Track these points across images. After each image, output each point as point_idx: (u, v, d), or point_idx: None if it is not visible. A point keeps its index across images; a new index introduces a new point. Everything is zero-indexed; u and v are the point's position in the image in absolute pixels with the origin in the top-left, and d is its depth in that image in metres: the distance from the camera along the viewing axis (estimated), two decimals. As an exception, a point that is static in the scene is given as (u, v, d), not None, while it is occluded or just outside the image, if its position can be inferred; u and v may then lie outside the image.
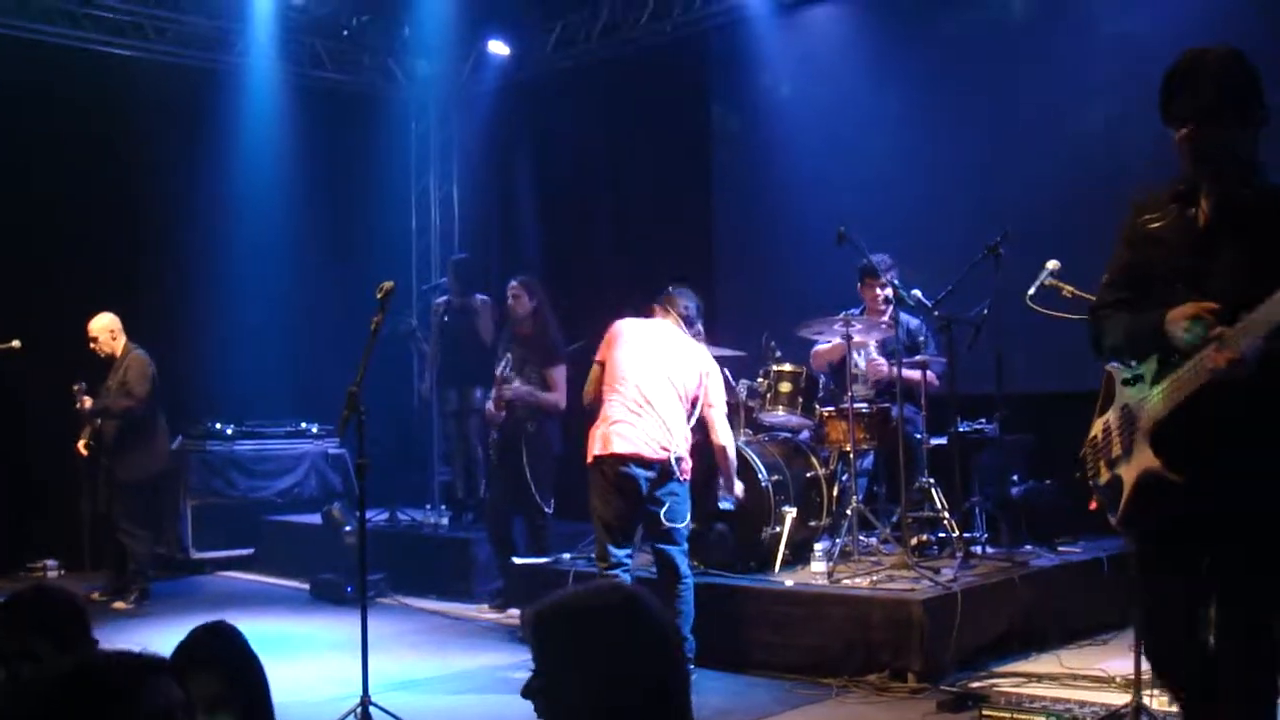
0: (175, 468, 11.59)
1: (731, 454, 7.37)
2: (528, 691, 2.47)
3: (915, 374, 8.30)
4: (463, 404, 11.13)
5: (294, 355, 12.68)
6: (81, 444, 10.14)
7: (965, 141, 10.16)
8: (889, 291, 8.43)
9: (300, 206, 12.84)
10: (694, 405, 7.15)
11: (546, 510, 9.14)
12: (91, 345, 10.08)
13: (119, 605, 9.94)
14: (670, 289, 7.40)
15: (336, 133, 13.27)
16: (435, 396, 12.03)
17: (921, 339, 8.60)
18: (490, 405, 9.42)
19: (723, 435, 7.27)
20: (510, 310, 9.33)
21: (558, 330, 9.36)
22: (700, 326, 7.45)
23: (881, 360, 8.50)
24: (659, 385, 6.97)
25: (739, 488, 7.53)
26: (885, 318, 8.44)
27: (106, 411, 10.05)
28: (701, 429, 7.28)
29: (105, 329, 10.13)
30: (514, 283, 9.37)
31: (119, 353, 10.12)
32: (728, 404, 8.53)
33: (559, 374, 9.14)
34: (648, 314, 7.36)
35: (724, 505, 7.68)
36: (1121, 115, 9.37)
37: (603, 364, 7.19)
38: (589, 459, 7.01)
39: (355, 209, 13.39)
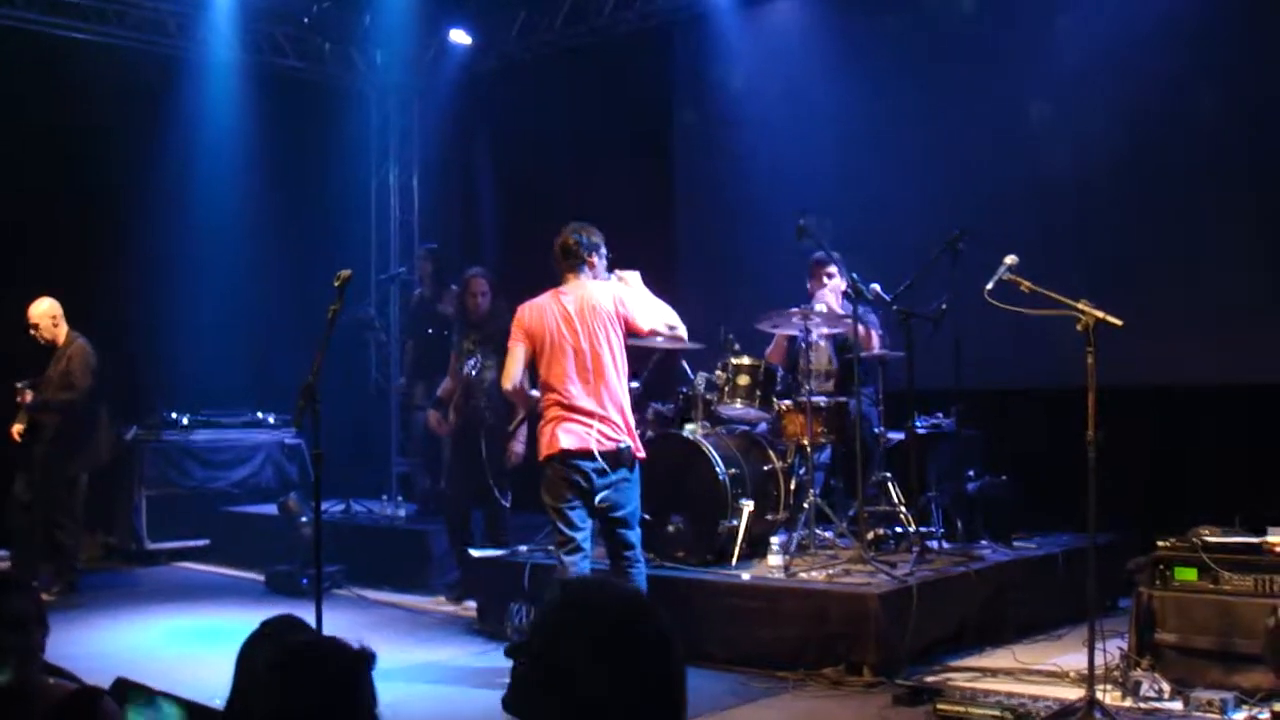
0: (123, 459, 11.53)
1: (678, 331, 7.11)
2: (513, 651, 2.40)
3: (865, 335, 8.24)
4: (431, 397, 11.09)
5: (251, 344, 12.60)
6: (16, 429, 9.95)
7: (926, 136, 10.20)
8: (839, 283, 8.47)
9: (258, 195, 12.75)
10: (632, 333, 6.97)
11: (504, 503, 9.11)
12: (31, 332, 9.86)
13: (42, 596, 9.74)
14: (566, 247, 7.12)
15: (296, 121, 13.16)
16: (403, 388, 12.01)
17: (872, 318, 8.59)
18: (431, 417, 9.61)
19: (674, 331, 7.04)
20: (472, 303, 9.29)
21: None
22: (597, 256, 7.09)
23: (833, 302, 8.49)
24: (589, 368, 6.79)
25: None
26: (836, 310, 8.45)
27: (46, 405, 9.89)
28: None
29: (46, 315, 9.89)
30: (476, 275, 9.35)
31: (60, 340, 9.92)
32: (686, 397, 8.55)
33: None
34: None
35: None
36: (1080, 111, 9.45)
37: (525, 352, 6.97)
38: (540, 457, 6.95)
39: (314, 198, 13.31)
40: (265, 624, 3.66)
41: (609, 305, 6.86)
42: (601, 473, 6.73)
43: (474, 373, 8.94)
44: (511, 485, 9.21)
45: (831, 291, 8.67)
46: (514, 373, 7.00)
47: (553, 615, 2.40)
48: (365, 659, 2.53)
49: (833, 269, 8.57)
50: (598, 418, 6.74)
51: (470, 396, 9.07)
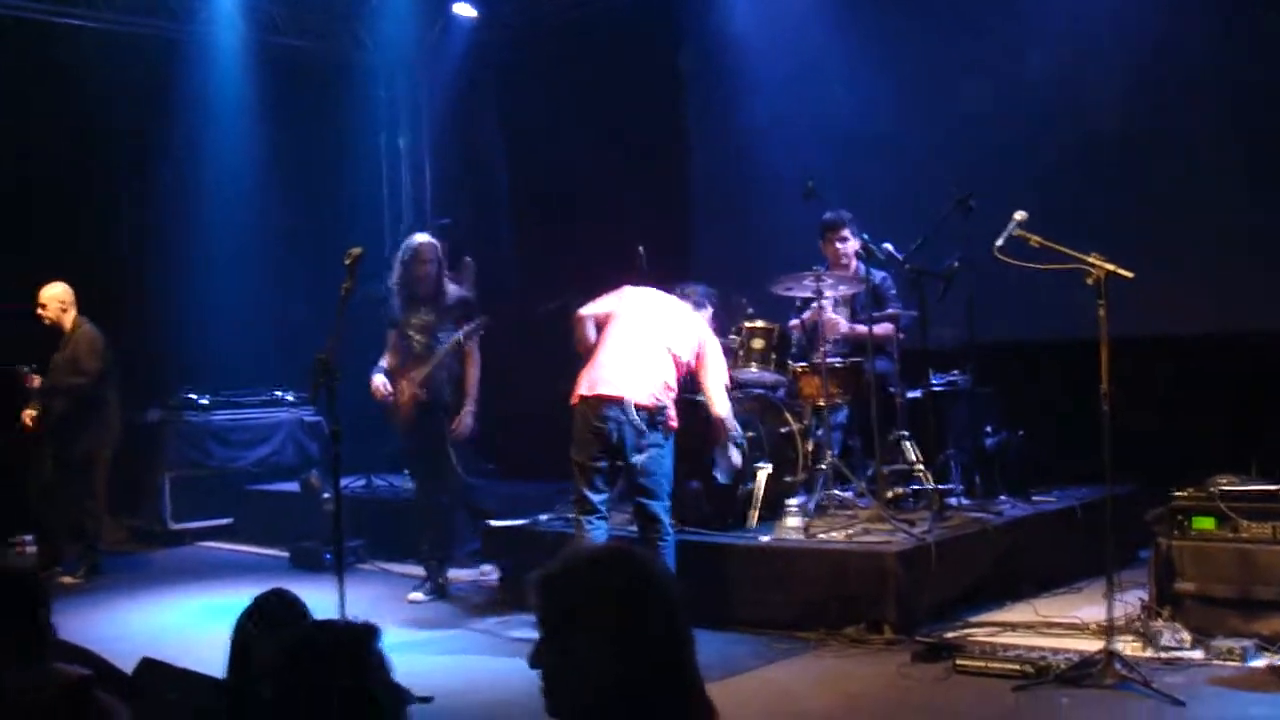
0: (144, 441, 11.63)
1: (731, 425, 7.43)
2: (535, 660, 2.45)
3: (881, 328, 8.30)
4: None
5: (269, 324, 12.63)
6: (28, 415, 9.98)
7: (935, 94, 10.20)
8: (853, 245, 8.45)
9: (270, 175, 12.75)
10: (688, 372, 7.27)
11: (464, 477, 8.87)
12: (39, 311, 9.87)
13: (66, 580, 9.77)
14: (684, 285, 7.74)
15: (305, 100, 13.15)
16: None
17: (893, 292, 8.59)
18: (382, 384, 8.80)
19: (719, 406, 7.34)
20: (420, 271, 8.72)
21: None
22: (710, 312, 7.70)
23: (837, 318, 8.49)
24: (653, 342, 7.09)
25: (735, 455, 7.62)
26: (850, 271, 8.46)
27: (55, 389, 9.95)
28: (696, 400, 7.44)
29: (56, 299, 9.93)
30: (424, 244, 8.82)
31: (68, 326, 9.93)
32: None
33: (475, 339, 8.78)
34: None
35: (719, 478, 7.72)
36: (1087, 68, 9.42)
37: (601, 316, 7.30)
38: (574, 399, 7.07)
39: (326, 176, 13.29)
40: (257, 599, 3.75)
41: (697, 332, 7.29)
42: (636, 431, 6.83)
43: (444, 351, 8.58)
44: (496, 457, 9.02)
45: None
46: (595, 308, 7.37)
47: (543, 609, 2.45)
48: (369, 633, 2.57)
49: (845, 232, 8.53)
50: (638, 377, 6.89)
51: (435, 375, 8.68)
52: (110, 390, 10.18)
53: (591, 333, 7.29)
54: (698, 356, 7.21)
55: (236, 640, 3.68)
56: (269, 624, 3.65)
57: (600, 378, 6.98)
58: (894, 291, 8.57)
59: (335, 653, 2.51)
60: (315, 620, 3.46)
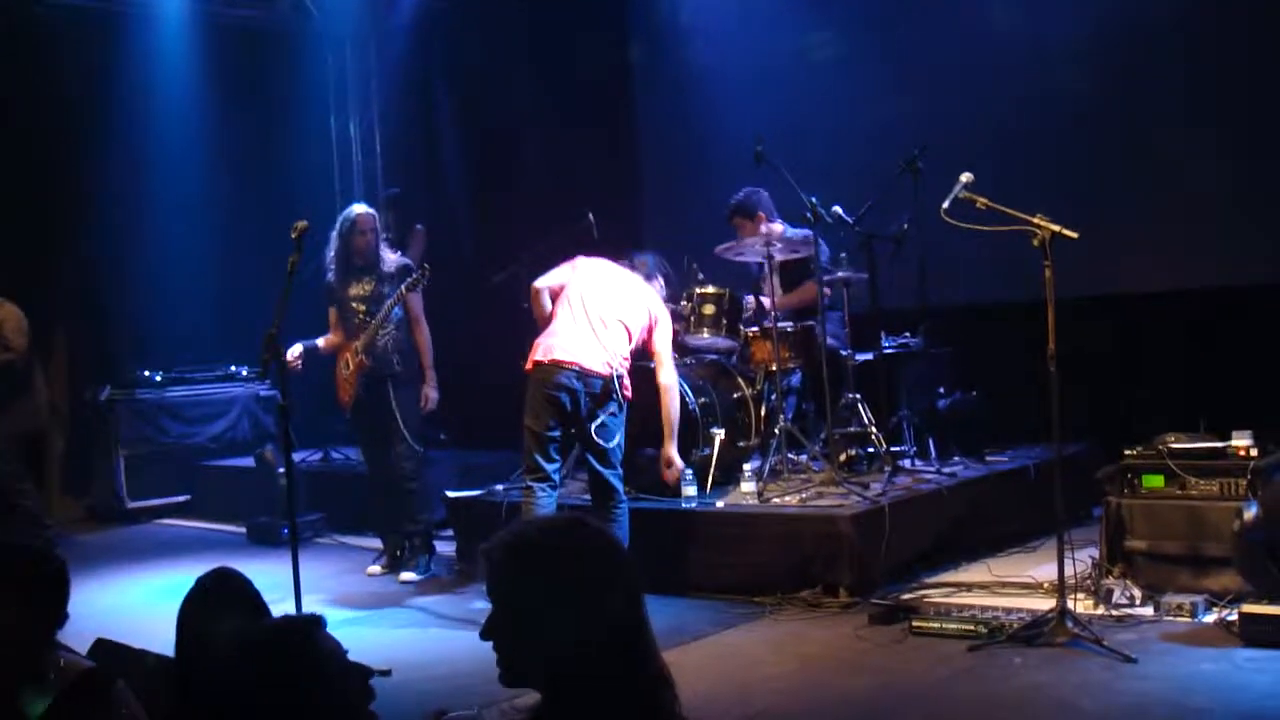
0: (97, 420, 11.57)
1: (674, 401, 7.32)
2: (487, 632, 2.45)
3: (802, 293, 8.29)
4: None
5: (221, 299, 12.54)
6: None
7: (884, 58, 10.20)
8: (752, 226, 8.43)
9: (219, 148, 12.59)
10: (641, 343, 7.28)
11: (417, 448, 8.62)
12: None
13: None
14: (635, 255, 7.68)
15: (252, 72, 12.98)
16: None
17: (841, 254, 8.54)
18: (295, 356, 8.28)
19: (666, 375, 7.31)
20: (361, 242, 8.51)
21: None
22: (661, 282, 7.65)
23: (751, 300, 8.48)
24: (606, 313, 7.10)
25: (677, 463, 7.42)
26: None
27: None
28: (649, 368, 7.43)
29: None
30: (363, 214, 8.60)
31: None
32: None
33: (419, 300, 8.59)
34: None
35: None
36: (1035, 30, 9.43)
37: (555, 288, 7.29)
38: (529, 365, 7.07)
39: (273, 148, 13.10)
40: (201, 580, 3.73)
41: (648, 304, 7.27)
42: (590, 397, 6.87)
43: (387, 308, 8.35)
44: (445, 427, 8.90)
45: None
46: (548, 280, 7.33)
47: (494, 581, 2.46)
48: (312, 624, 2.55)
49: (736, 220, 8.54)
50: (593, 346, 6.97)
51: (378, 342, 8.44)
52: (35, 369, 10.05)
53: (548, 304, 7.29)
54: (649, 328, 7.22)
55: (181, 623, 3.66)
56: (213, 604, 3.63)
57: (555, 345, 7.00)
58: (842, 254, 8.49)
59: (275, 652, 2.49)
60: (259, 619, 3.45)
